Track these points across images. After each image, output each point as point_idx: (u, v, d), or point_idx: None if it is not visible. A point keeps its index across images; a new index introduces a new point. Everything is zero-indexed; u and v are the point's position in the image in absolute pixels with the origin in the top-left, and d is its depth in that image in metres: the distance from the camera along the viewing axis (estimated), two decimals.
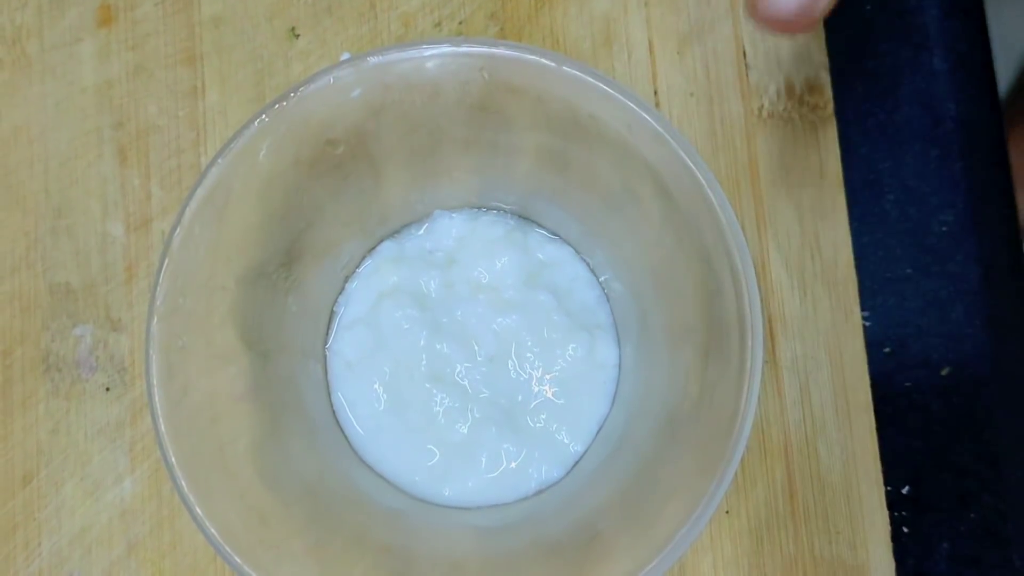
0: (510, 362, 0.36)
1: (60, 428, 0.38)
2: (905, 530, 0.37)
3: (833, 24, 0.39)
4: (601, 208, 0.34)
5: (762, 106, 0.38)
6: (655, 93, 0.38)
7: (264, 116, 0.29)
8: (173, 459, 0.28)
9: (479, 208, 0.38)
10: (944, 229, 0.38)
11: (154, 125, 0.39)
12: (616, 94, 0.29)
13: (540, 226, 0.37)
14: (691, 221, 0.30)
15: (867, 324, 0.38)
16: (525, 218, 0.38)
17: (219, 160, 0.29)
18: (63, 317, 0.38)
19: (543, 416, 0.35)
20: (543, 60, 0.29)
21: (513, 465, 0.35)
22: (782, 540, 0.36)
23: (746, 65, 0.38)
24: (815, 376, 0.36)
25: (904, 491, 0.37)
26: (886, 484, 0.37)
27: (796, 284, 0.37)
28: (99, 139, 0.40)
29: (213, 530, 0.28)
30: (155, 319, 0.29)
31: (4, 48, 0.40)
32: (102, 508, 0.37)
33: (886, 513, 0.36)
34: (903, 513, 0.37)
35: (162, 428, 0.28)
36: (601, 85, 0.29)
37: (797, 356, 0.37)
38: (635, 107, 0.29)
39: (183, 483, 0.28)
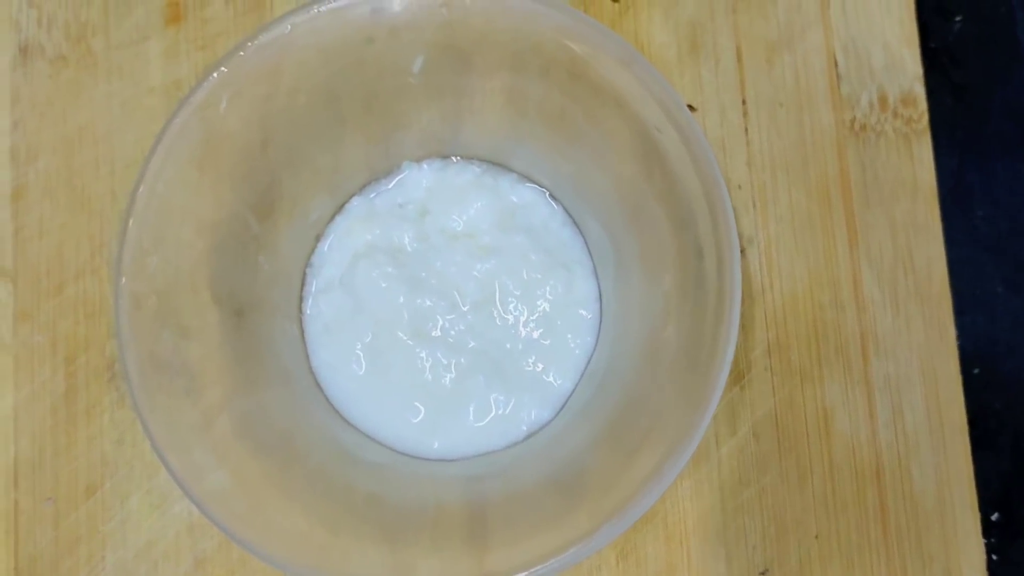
0: (493, 308, 0.38)
1: (126, 439, 0.39)
2: (994, 557, 0.38)
3: (923, 35, 0.40)
4: (569, 145, 0.36)
5: (854, 118, 0.39)
6: (743, 102, 0.39)
7: (223, 67, 0.31)
8: (148, 418, 0.30)
9: (447, 157, 0.39)
10: None
11: None
12: (577, 23, 0.31)
13: (510, 170, 0.39)
14: (658, 148, 0.32)
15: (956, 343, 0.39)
16: (495, 163, 0.39)
17: (180, 113, 0.31)
18: None
19: (531, 358, 0.37)
20: None
21: (502, 411, 0.37)
22: (873, 565, 0.37)
23: (837, 75, 0.39)
24: (908, 396, 0.37)
25: (993, 517, 0.38)
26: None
27: (888, 301, 0.38)
28: None
29: (198, 494, 0.30)
30: (123, 278, 0.30)
31: (68, 45, 0.41)
32: (169, 522, 0.38)
33: (981, 539, 0.37)
34: (992, 540, 0.38)
35: (135, 387, 0.30)
36: (562, 16, 0.31)
37: (890, 376, 0.38)
38: (597, 33, 0.31)
39: (164, 450, 0.30)
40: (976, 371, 0.39)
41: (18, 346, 0.40)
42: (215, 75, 0.32)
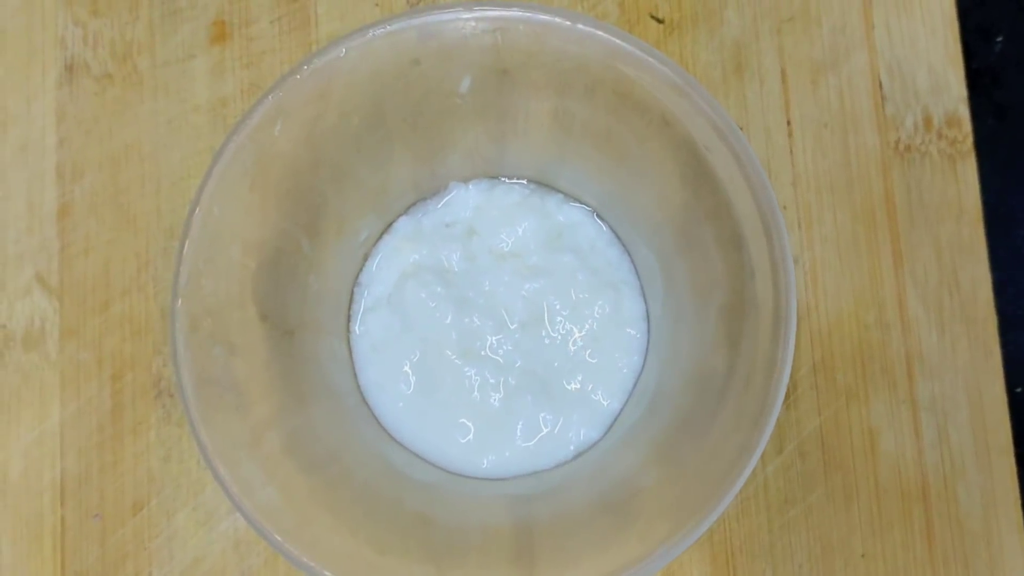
0: (541, 328, 0.38)
1: (172, 456, 0.39)
2: None
3: (965, 56, 0.40)
4: (616, 165, 0.36)
5: (899, 139, 0.39)
6: (788, 123, 0.40)
7: (278, 91, 0.31)
8: (205, 438, 0.30)
9: (494, 177, 0.40)
10: None
11: None
12: (632, 48, 0.31)
13: (557, 190, 0.40)
14: (707, 167, 0.32)
15: None
16: (541, 184, 0.40)
17: (235, 137, 0.32)
18: None
19: (579, 377, 0.38)
20: (555, 19, 0.32)
21: (551, 431, 0.38)
22: None
23: (882, 96, 0.40)
24: (954, 417, 0.38)
25: None
26: None
27: (934, 322, 0.38)
28: (211, 158, 0.41)
29: (249, 508, 0.30)
30: (179, 300, 0.31)
31: (115, 63, 0.42)
32: (215, 539, 0.39)
33: None
34: None
35: (191, 406, 0.31)
36: (615, 40, 0.31)
37: (935, 396, 0.38)
38: (645, 54, 0.31)
39: (217, 464, 0.30)
40: (1019, 390, 0.39)
41: (64, 363, 0.40)
42: (271, 98, 0.32)
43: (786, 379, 0.29)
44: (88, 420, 0.40)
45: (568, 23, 0.32)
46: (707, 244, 0.35)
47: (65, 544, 0.39)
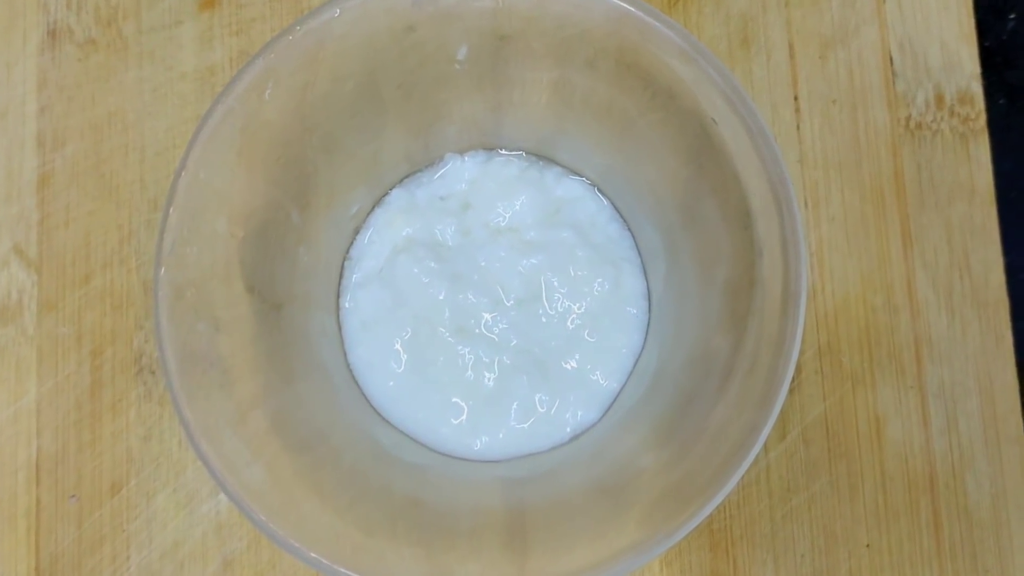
0: (538, 305, 0.37)
1: (152, 435, 0.38)
2: None
3: (978, 34, 0.39)
4: (618, 138, 0.36)
5: (909, 116, 0.39)
6: (795, 98, 0.39)
7: (269, 52, 0.30)
8: (188, 414, 0.30)
9: (491, 149, 0.39)
10: None
11: None
12: (638, 12, 0.30)
13: (556, 163, 0.39)
14: (714, 140, 0.31)
15: None
16: (540, 156, 0.39)
17: (223, 100, 0.31)
18: None
19: (576, 356, 0.37)
20: None
21: (546, 411, 0.37)
22: None
23: (893, 72, 0.39)
24: (963, 404, 0.37)
25: None
26: None
27: (944, 305, 0.38)
28: None
29: (234, 487, 0.29)
30: (162, 268, 0.30)
31: (99, 29, 0.41)
32: (196, 521, 0.38)
33: None
34: None
35: (174, 381, 0.30)
36: (621, 4, 0.30)
37: (944, 382, 0.37)
38: (657, 23, 0.30)
39: (200, 442, 0.29)
40: None
41: (42, 338, 0.39)
42: (260, 60, 0.31)
43: (794, 360, 0.28)
44: (66, 397, 0.39)
45: None
46: (713, 220, 0.34)
47: (40, 525, 0.38)
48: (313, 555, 0.30)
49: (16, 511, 0.39)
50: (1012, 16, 0.42)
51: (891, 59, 0.40)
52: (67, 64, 0.41)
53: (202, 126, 0.31)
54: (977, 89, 0.40)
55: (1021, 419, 0.38)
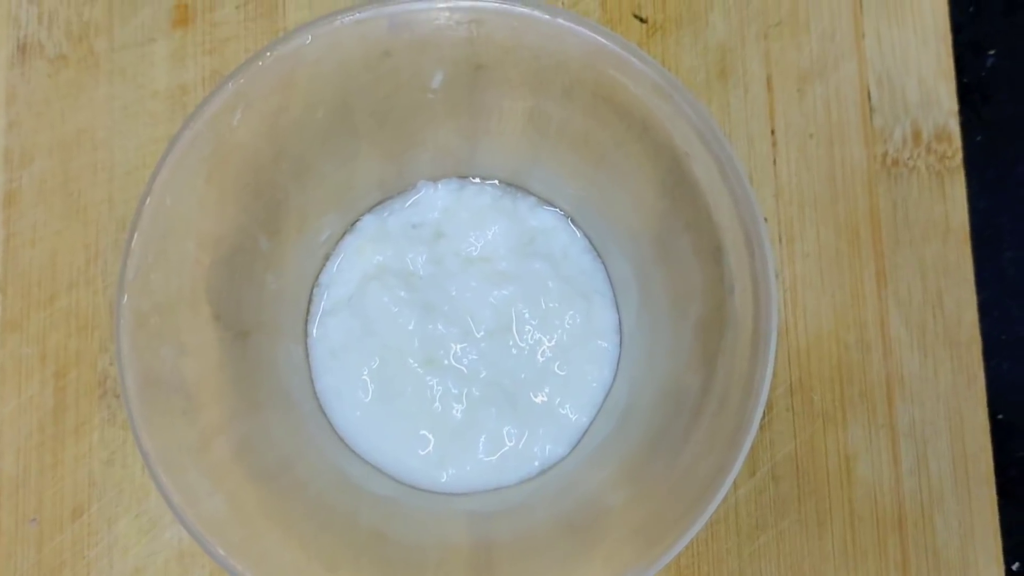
0: (509, 337, 0.37)
1: (116, 459, 0.38)
2: None
3: (956, 70, 0.39)
4: (592, 169, 0.35)
5: (886, 152, 0.39)
6: (772, 132, 0.39)
7: (239, 77, 0.30)
8: (147, 442, 0.29)
9: (465, 178, 0.39)
10: None
11: None
12: (613, 47, 0.30)
13: (530, 193, 0.39)
14: (688, 175, 0.31)
15: None
16: (513, 185, 0.39)
17: (192, 124, 0.30)
18: None
19: (546, 390, 0.37)
20: (533, 13, 0.31)
21: (515, 445, 0.36)
22: None
23: (870, 108, 0.39)
24: (934, 444, 0.37)
25: (1014, 567, 0.38)
26: None
27: (916, 344, 0.38)
28: None
29: (192, 520, 0.29)
30: (125, 296, 0.30)
31: (70, 44, 0.40)
32: (159, 548, 0.37)
33: None
34: None
35: (133, 408, 0.29)
36: (596, 37, 0.30)
37: (915, 421, 0.37)
38: (632, 58, 0.30)
39: (159, 472, 0.29)
40: (1000, 417, 0.38)
41: (5, 357, 0.39)
42: (231, 84, 0.31)
43: (764, 400, 0.28)
44: (28, 419, 0.39)
45: (547, 17, 0.31)
46: (685, 255, 0.34)
47: (0, 549, 0.38)
48: None
49: None
50: (991, 53, 0.42)
51: (869, 94, 0.40)
52: (37, 79, 0.41)
53: (169, 150, 0.30)
54: (954, 126, 0.40)
55: (992, 459, 0.38)
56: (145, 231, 0.30)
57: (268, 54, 0.31)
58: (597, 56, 0.31)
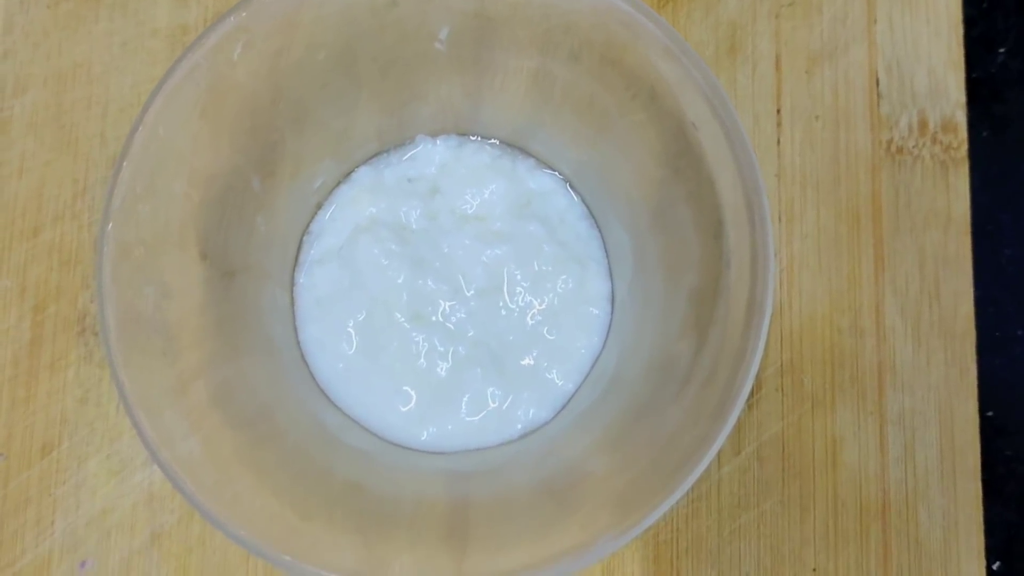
0: (499, 297, 0.37)
1: (90, 397, 0.37)
2: None
3: (966, 64, 0.39)
4: (595, 134, 0.35)
5: (891, 139, 0.38)
6: (778, 111, 0.39)
7: (242, 11, 0.30)
8: (125, 379, 0.29)
9: (464, 135, 0.38)
10: None
11: None
12: (626, 6, 0.30)
13: (529, 155, 0.38)
14: (693, 146, 0.31)
15: None
16: (513, 146, 0.39)
17: (189, 55, 0.30)
18: None
19: (533, 353, 0.36)
20: None
21: (498, 407, 0.36)
22: None
23: (878, 94, 0.39)
24: (922, 434, 0.37)
25: (995, 566, 0.37)
26: None
27: (910, 333, 0.37)
28: None
29: (166, 458, 0.28)
30: (110, 224, 0.29)
31: None
32: (127, 491, 0.37)
33: None
34: None
35: (112, 340, 0.29)
36: None
37: (904, 410, 0.37)
38: (645, 19, 0.30)
39: (135, 409, 0.28)
40: (990, 414, 0.38)
41: None
42: (232, 18, 0.30)
43: (753, 373, 0.28)
44: (2, 351, 0.38)
45: None
46: (684, 226, 0.33)
47: None
48: (242, 534, 0.29)
49: None
50: (1002, 50, 0.41)
51: (877, 80, 0.39)
52: (36, 10, 0.40)
53: (166, 79, 0.30)
54: (961, 118, 0.39)
55: (979, 454, 0.37)
56: (135, 160, 0.30)
57: None
58: (609, 15, 0.31)
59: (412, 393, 0.36)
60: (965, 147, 0.39)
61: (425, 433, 0.36)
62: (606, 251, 0.37)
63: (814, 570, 0.37)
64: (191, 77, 0.30)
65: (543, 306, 0.36)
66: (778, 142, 0.39)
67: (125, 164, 0.29)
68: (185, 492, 0.29)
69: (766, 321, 0.28)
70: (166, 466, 0.29)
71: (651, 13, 0.30)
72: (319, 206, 0.37)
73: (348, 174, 0.38)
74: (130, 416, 0.28)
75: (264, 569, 0.37)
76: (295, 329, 0.37)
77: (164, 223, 0.31)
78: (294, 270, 0.37)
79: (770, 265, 0.29)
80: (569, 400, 0.36)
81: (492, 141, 0.38)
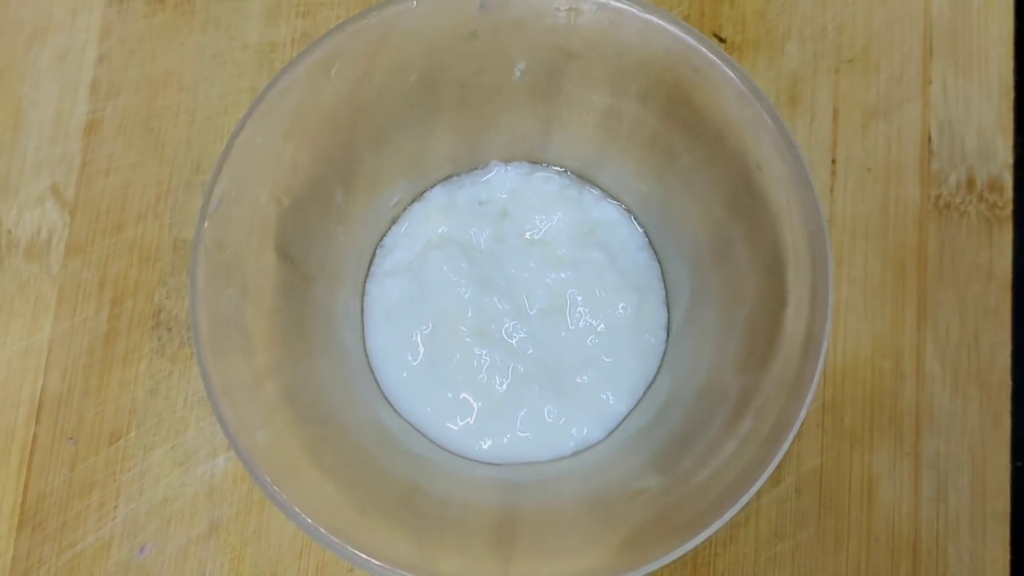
0: (560, 319, 0.38)
1: (159, 389, 0.39)
2: None
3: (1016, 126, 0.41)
4: (664, 172, 0.37)
5: (940, 194, 0.40)
6: (832, 161, 0.41)
7: (342, 32, 0.32)
8: (211, 367, 0.30)
9: (535, 163, 0.40)
10: None
11: None
12: (699, 46, 0.32)
13: (596, 185, 0.40)
14: (756, 187, 0.33)
15: None
16: (581, 176, 0.41)
17: (288, 71, 0.32)
18: (183, 275, 0.40)
19: (590, 374, 0.38)
20: (632, 8, 0.32)
21: (553, 423, 0.38)
22: None
23: (930, 151, 0.41)
24: (955, 477, 0.38)
25: None
26: None
27: (948, 380, 0.39)
28: (252, 99, 0.41)
29: (246, 446, 0.30)
30: (206, 223, 0.31)
31: None
32: (189, 481, 0.38)
33: None
34: None
35: (202, 333, 0.31)
36: (688, 38, 0.32)
37: (939, 453, 0.39)
38: (717, 60, 0.32)
39: (220, 398, 0.30)
40: (1020, 464, 0.40)
41: (65, 279, 0.40)
42: (332, 39, 0.32)
43: (807, 404, 0.30)
44: (79, 340, 0.40)
45: (643, 13, 0.33)
46: (741, 261, 0.35)
47: (33, 462, 0.39)
48: (311, 522, 0.30)
49: (11, 445, 0.39)
50: None
51: (929, 138, 0.42)
52: (132, 19, 0.42)
53: (267, 92, 0.32)
54: (1008, 179, 0.42)
55: (1009, 500, 0.39)
56: (233, 164, 0.32)
57: (374, 14, 0.33)
58: (683, 56, 0.33)
59: (472, 405, 0.37)
60: (1010, 207, 0.41)
61: (481, 445, 0.37)
62: (664, 281, 0.39)
63: None
64: (288, 92, 0.32)
65: (601, 329, 0.38)
66: (831, 190, 0.41)
67: (224, 168, 0.32)
68: (259, 478, 0.30)
69: (822, 356, 0.30)
70: (243, 452, 0.31)
71: (726, 56, 0.32)
72: (394, 221, 0.39)
73: (422, 193, 0.40)
74: (213, 404, 0.30)
75: (315, 567, 0.38)
76: (363, 337, 0.39)
77: (250, 226, 0.33)
78: (366, 280, 0.39)
79: (829, 303, 0.30)
80: (621, 421, 0.38)
81: (561, 170, 0.40)
